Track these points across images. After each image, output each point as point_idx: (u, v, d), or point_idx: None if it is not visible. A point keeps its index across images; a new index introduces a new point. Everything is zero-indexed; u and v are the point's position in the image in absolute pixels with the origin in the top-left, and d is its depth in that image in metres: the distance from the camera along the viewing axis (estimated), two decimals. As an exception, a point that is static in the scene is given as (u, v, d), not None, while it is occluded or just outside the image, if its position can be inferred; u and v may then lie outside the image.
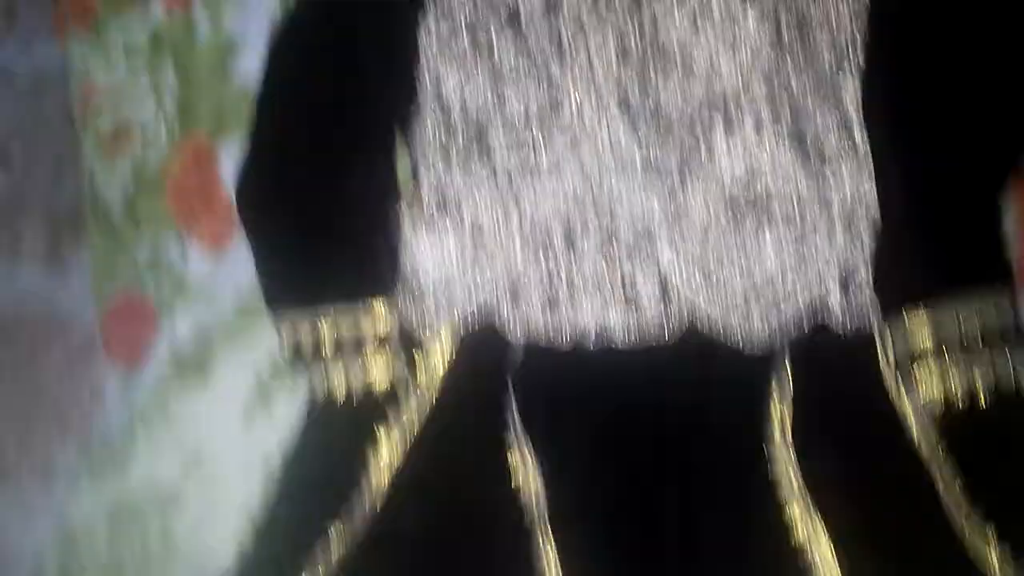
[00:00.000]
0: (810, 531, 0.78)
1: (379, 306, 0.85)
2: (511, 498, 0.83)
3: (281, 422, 0.88)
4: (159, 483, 0.90)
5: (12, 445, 0.91)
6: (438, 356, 0.85)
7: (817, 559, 0.77)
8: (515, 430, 0.84)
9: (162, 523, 0.89)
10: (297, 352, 0.86)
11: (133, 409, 0.91)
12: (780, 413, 0.83)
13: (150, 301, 0.97)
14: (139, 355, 0.92)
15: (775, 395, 0.82)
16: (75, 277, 1.01)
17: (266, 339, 0.90)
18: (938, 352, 0.81)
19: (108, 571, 0.89)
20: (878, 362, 0.83)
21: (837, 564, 0.76)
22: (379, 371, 0.86)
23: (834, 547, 0.77)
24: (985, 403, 0.82)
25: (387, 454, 0.84)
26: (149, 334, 0.92)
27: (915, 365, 0.82)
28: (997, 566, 0.76)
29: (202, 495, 0.89)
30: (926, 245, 0.83)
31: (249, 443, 0.90)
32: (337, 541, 0.82)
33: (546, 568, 0.80)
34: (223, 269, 0.98)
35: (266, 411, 0.91)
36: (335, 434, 0.87)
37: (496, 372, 0.85)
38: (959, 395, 0.82)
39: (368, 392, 0.86)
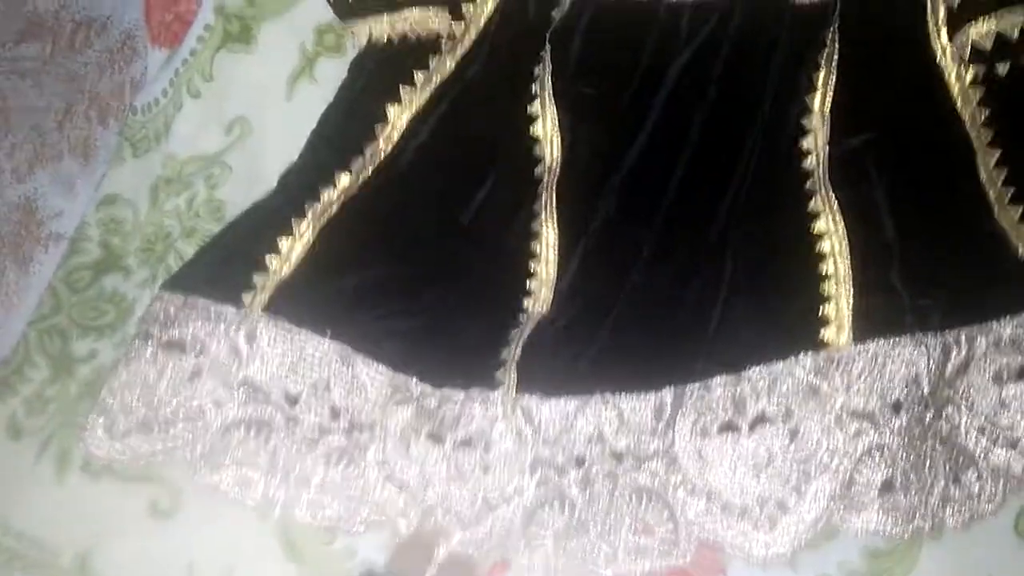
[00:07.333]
0: (830, 223, 0.76)
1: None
2: (525, 151, 0.82)
3: (325, 90, 0.88)
4: (203, 153, 0.89)
5: (53, 130, 0.90)
6: (485, 6, 0.84)
7: (831, 248, 0.76)
8: (543, 81, 0.83)
9: (208, 193, 0.88)
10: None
11: (177, 80, 0.90)
12: (824, 79, 0.82)
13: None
14: (183, 34, 0.91)
15: (822, 58, 0.81)
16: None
17: (312, 8, 0.90)
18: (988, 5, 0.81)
19: (153, 241, 0.87)
20: (927, 25, 0.83)
21: (849, 256, 0.75)
22: (422, 19, 0.85)
23: (849, 235, 0.75)
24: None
25: (413, 100, 0.83)
26: (192, 9, 0.91)
27: (968, 25, 0.82)
28: None
29: (247, 163, 0.88)
30: None
31: (293, 111, 0.89)
32: (349, 178, 0.81)
33: (543, 228, 0.80)
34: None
35: (311, 79, 0.90)
36: (367, 83, 0.86)
37: (540, 23, 0.85)
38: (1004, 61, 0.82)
39: (409, 40, 0.85)
